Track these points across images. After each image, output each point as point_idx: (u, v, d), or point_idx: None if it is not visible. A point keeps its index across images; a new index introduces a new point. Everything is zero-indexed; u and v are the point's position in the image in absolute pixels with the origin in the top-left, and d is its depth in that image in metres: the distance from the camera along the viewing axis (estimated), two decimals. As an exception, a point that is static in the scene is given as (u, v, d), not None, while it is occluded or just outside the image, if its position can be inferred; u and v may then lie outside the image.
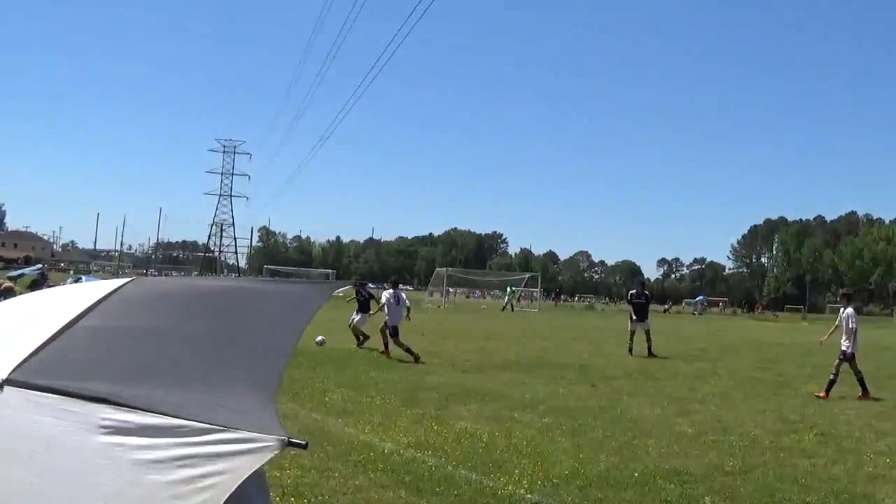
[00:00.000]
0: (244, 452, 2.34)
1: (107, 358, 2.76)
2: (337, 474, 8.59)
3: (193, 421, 2.39)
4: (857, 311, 18.72)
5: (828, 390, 16.96)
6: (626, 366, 22.56)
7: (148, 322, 3.02)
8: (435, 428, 11.61)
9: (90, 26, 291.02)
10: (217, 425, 2.38)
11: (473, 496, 8.04)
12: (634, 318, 27.38)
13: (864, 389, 17.13)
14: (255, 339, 2.97)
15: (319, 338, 23.03)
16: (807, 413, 14.93)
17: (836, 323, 18.68)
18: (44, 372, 2.58)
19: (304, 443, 2.42)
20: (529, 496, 8.16)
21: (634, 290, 28.91)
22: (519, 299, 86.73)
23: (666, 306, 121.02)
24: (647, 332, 26.83)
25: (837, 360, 17.52)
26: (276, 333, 3.03)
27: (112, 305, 3.08)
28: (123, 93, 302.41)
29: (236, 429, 2.37)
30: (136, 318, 3.04)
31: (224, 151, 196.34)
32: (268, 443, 2.36)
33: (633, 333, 26.98)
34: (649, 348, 26.38)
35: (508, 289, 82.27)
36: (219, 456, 2.33)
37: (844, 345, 17.41)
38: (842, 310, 18.56)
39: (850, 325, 17.46)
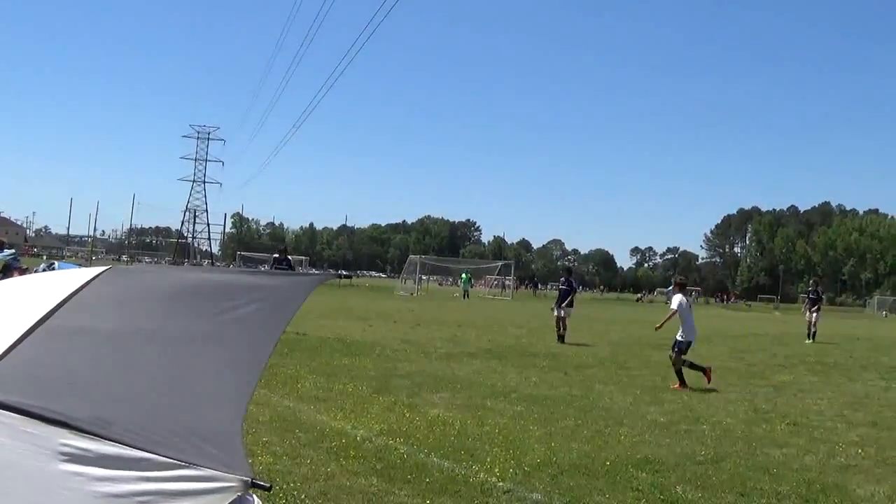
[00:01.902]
0: (206, 492, 2.32)
1: (73, 369, 2.66)
2: (309, 461, 8.57)
3: (155, 454, 2.34)
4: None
5: (681, 382, 16.53)
6: (598, 354, 22.63)
7: (120, 323, 2.94)
8: (407, 415, 11.60)
9: (65, 9, 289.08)
10: (179, 461, 2.33)
11: (445, 484, 8.03)
12: (554, 303, 27.71)
13: (682, 381, 16.53)
14: (233, 345, 2.91)
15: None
16: (779, 403, 15.00)
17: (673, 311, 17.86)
18: (5, 385, 2.50)
19: (268, 485, 2.40)
20: (501, 484, 8.15)
21: (562, 278, 29.08)
22: (492, 287, 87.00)
23: (639, 295, 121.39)
24: (564, 320, 26.72)
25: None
26: (255, 337, 2.96)
27: (83, 302, 2.99)
28: (97, 78, 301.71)
29: (199, 466, 2.33)
30: (108, 319, 2.95)
31: (198, 137, 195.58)
32: (231, 483, 2.32)
33: (558, 319, 26.87)
34: (563, 335, 26.44)
35: (463, 275, 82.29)
36: (180, 494, 2.30)
37: (679, 334, 17.10)
38: (672, 297, 18.33)
39: (677, 313, 17.20)
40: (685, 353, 16.80)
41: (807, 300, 35.66)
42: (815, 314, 33.72)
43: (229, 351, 2.89)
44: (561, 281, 28.74)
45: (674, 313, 17.43)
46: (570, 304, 27.38)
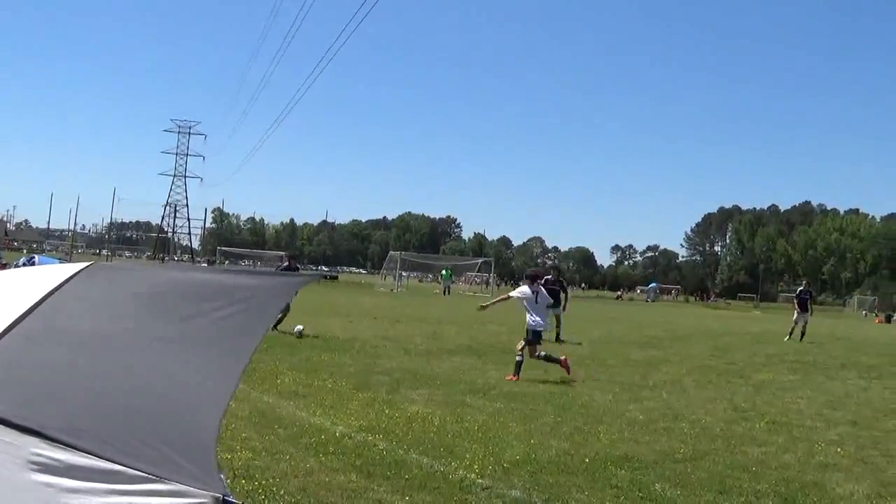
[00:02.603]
0: None
1: (48, 374, 2.61)
2: (288, 457, 8.56)
3: (126, 467, 2.32)
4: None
5: (517, 371, 16.34)
6: (577, 351, 22.59)
7: (97, 325, 2.90)
8: (386, 412, 11.61)
9: (46, 3, 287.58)
10: (151, 475, 2.32)
11: (424, 480, 8.03)
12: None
13: (517, 372, 16.30)
14: (212, 350, 2.87)
15: (298, 327, 21.64)
16: (758, 401, 15.04)
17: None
18: None
19: (239, 503, 2.39)
20: (480, 481, 8.15)
21: (549, 277, 27.82)
22: (472, 283, 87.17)
23: (619, 293, 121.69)
24: (558, 318, 26.46)
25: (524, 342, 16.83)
26: (235, 341, 2.91)
27: (61, 302, 2.94)
28: (78, 71, 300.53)
29: (171, 480, 2.32)
30: (85, 320, 2.91)
31: (179, 132, 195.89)
32: (202, 499, 2.31)
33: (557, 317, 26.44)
34: (557, 334, 26.20)
35: (444, 272, 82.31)
36: None
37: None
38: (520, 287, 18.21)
39: (524, 304, 16.97)
40: (536, 345, 16.75)
41: (796, 301, 35.29)
42: (807, 315, 33.66)
43: (209, 356, 2.86)
44: (547, 280, 26.84)
45: (505, 298, 18.01)
46: (563, 307, 27.08)
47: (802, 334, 32.91)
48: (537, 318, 16.66)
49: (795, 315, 33.74)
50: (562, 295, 27.15)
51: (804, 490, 8.70)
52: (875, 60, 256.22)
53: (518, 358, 16.34)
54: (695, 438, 11.15)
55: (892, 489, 8.98)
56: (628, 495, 8.08)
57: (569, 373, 16.41)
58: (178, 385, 2.72)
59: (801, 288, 35.69)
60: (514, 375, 16.08)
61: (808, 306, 34.49)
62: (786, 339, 32.56)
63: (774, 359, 24.19)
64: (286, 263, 27.22)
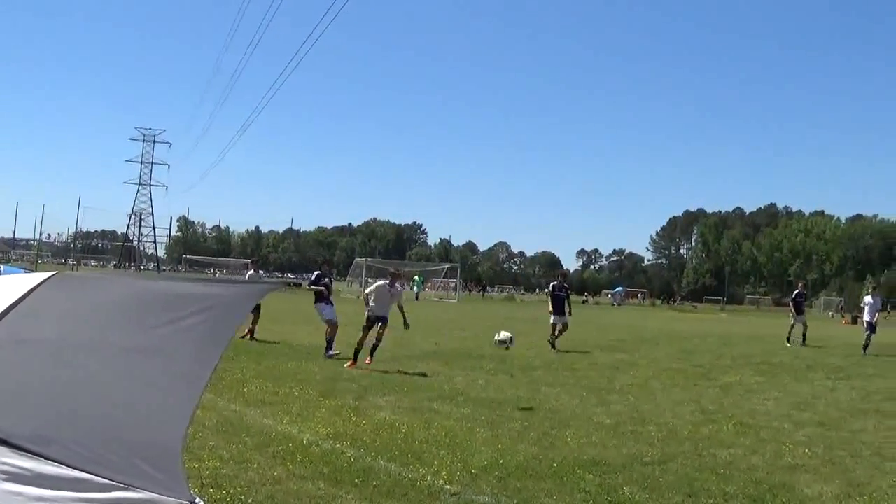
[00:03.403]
0: None
1: (16, 383, 2.61)
2: (256, 465, 8.54)
3: (94, 475, 2.31)
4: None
5: (354, 359, 18.03)
6: (544, 356, 22.69)
7: (64, 334, 2.88)
8: (353, 419, 11.58)
9: (9, 10, 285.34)
10: (118, 483, 2.31)
11: (392, 487, 8.02)
12: (552, 311, 26.48)
13: (354, 359, 17.98)
14: (178, 358, 2.85)
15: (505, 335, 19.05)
16: (725, 403, 15.13)
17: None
18: None
19: None
20: (448, 487, 8.15)
21: (556, 282, 27.76)
22: (438, 289, 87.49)
23: (584, 297, 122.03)
24: (555, 326, 26.10)
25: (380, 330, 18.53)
26: (201, 350, 2.88)
27: (28, 311, 2.93)
28: (43, 80, 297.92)
29: (138, 488, 2.31)
30: (52, 329, 2.90)
31: (144, 140, 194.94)
32: None
33: (554, 327, 26.08)
34: (554, 342, 25.60)
35: (416, 278, 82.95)
36: None
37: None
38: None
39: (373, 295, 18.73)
40: (367, 330, 18.27)
41: (792, 304, 34.77)
42: (803, 318, 33.31)
43: (174, 364, 2.84)
44: (554, 286, 27.26)
45: (367, 296, 19.23)
46: (570, 312, 26.85)
47: (804, 337, 32.56)
48: (378, 307, 18.54)
49: (792, 319, 33.35)
50: (566, 302, 26.82)
51: (773, 491, 8.73)
52: (839, 59, 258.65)
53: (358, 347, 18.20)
54: (662, 441, 11.19)
55: (861, 489, 9.04)
56: (597, 499, 8.09)
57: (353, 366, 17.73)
58: (144, 393, 2.71)
59: (797, 290, 34.89)
60: (353, 363, 17.89)
61: (804, 308, 34.23)
62: (787, 345, 31.78)
63: (741, 361, 24.32)
64: (251, 271, 27.19)
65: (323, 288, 21.58)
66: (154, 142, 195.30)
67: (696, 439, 11.48)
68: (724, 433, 12.10)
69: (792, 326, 33.08)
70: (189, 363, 2.85)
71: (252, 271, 26.86)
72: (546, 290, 27.13)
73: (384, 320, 18.59)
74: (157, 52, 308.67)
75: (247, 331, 22.79)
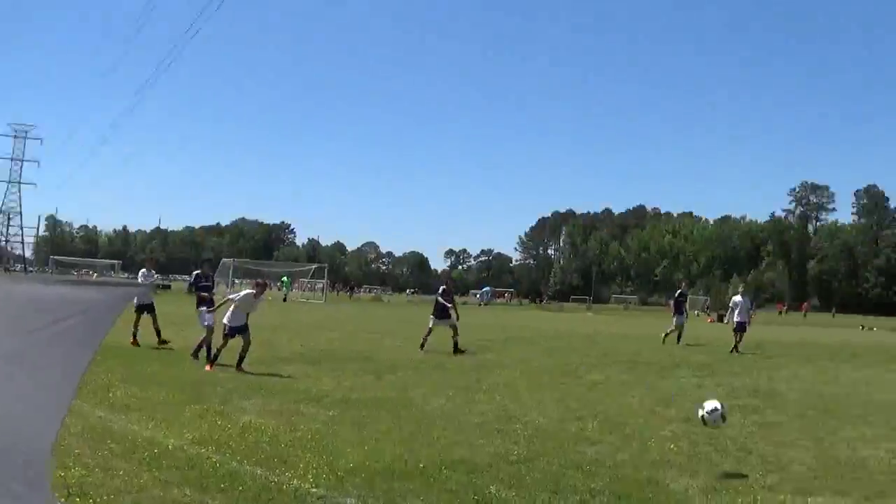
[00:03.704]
0: None
1: None
2: (121, 472, 8.43)
3: None
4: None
5: (211, 361, 18.30)
6: (411, 356, 22.80)
7: None
8: (219, 423, 11.52)
9: None
10: None
11: (259, 492, 8.03)
12: (433, 315, 25.65)
13: (213, 361, 18.30)
14: (48, 365, 2.81)
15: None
16: (591, 401, 15.40)
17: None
18: None
19: None
20: (315, 490, 8.19)
21: (444, 286, 26.69)
22: (304, 290, 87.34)
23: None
24: (454, 328, 25.07)
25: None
26: (71, 355, 2.85)
27: None
28: None
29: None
30: None
31: (15, 136, 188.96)
32: None
33: (430, 330, 25.18)
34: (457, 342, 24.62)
35: (284, 279, 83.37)
36: None
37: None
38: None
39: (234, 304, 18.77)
40: (227, 340, 18.37)
41: (672, 304, 34.93)
42: (683, 318, 33.60)
43: (43, 371, 2.80)
44: (444, 290, 26.20)
45: (227, 301, 19.23)
46: (449, 316, 25.59)
47: (679, 337, 32.90)
48: (236, 317, 18.38)
49: (674, 318, 33.55)
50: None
51: (639, 487, 8.93)
52: (708, 62, 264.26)
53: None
54: (528, 439, 11.34)
55: (726, 483, 9.30)
56: (463, 499, 8.21)
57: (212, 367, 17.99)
58: (12, 403, 2.66)
59: (680, 290, 35.19)
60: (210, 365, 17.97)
61: (684, 309, 34.60)
62: (662, 344, 32.27)
63: (607, 359, 24.70)
64: (144, 269, 26.32)
65: (206, 294, 21.24)
66: (25, 138, 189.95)
67: (562, 437, 11.66)
68: (590, 430, 12.30)
69: (674, 326, 33.17)
70: (60, 370, 2.82)
71: (145, 269, 26.02)
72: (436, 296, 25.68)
73: (244, 329, 18.39)
74: (29, 45, 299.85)
75: (134, 336, 22.55)
